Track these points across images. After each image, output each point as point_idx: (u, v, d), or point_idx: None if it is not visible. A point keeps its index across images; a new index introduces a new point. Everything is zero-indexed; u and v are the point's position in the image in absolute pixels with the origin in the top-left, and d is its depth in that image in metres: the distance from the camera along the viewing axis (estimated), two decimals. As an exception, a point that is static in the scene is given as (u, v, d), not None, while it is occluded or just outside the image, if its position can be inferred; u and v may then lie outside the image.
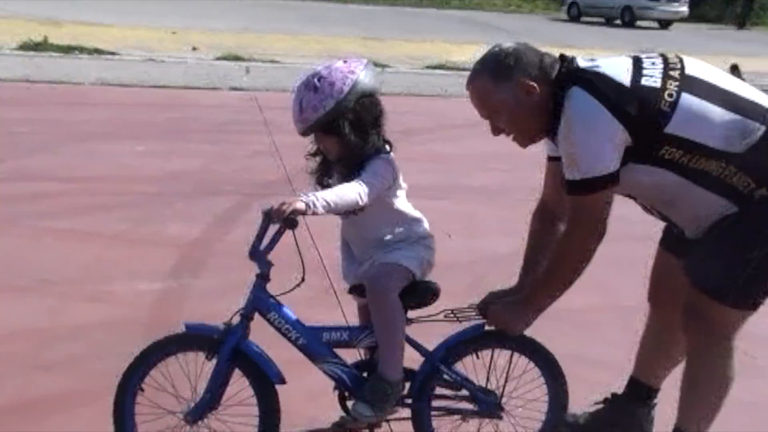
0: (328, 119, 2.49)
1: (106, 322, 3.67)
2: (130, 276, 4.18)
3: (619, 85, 2.42)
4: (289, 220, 2.36)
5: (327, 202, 2.40)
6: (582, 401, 2.95)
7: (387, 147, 2.62)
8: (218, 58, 12.41)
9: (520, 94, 2.46)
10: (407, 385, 2.68)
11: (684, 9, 29.41)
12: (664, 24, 29.38)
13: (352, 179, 2.50)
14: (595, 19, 29.81)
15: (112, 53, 11.90)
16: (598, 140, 2.40)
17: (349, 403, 2.68)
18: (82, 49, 11.91)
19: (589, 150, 2.40)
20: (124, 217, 5.10)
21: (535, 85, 2.45)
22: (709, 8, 34.38)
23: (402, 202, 2.69)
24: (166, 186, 5.79)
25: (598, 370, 3.18)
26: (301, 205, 2.35)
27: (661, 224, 2.83)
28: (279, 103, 8.93)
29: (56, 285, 4.04)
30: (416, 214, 2.71)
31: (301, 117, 2.53)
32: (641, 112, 2.40)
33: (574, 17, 30.76)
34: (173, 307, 3.86)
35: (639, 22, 28.88)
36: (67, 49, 11.83)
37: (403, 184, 2.69)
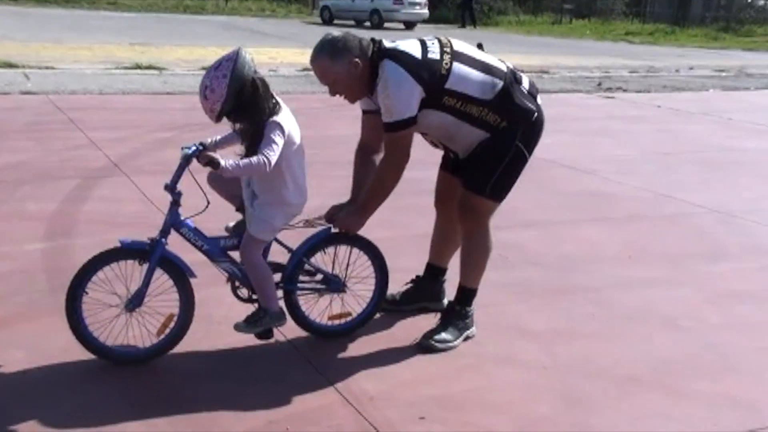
0: (223, 113, 3.25)
1: (12, 270, 4.34)
2: (12, 241, 4.79)
3: (415, 58, 3.42)
4: (211, 163, 3.19)
5: (231, 169, 3.20)
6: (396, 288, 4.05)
7: (277, 107, 3.32)
8: (-10, 66, 12.21)
9: (350, 68, 3.47)
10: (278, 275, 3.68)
11: (425, 11, 32.08)
12: (409, 25, 31.68)
13: (256, 144, 3.27)
14: (346, 22, 31.47)
15: None
16: (406, 95, 3.39)
17: (239, 291, 3.66)
18: None
19: (400, 102, 3.40)
20: (-20, 200, 5.53)
21: (359, 61, 3.50)
22: (447, 11, 37.75)
23: (287, 168, 3.37)
24: (6, 175, 6.19)
25: (402, 273, 4.11)
26: (219, 161, 3.18)
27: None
28: (77, 104, 9.51)
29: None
30: (294, 180, 3.41)
31: (209, 115, 3.27)
32: (430, 75, 3.41)
33: (327, 20, 32.39)
34: (60, 259, 4.53)
35: (386, 24, 30.95)
36: None
37: (296, 140, 3.40)
